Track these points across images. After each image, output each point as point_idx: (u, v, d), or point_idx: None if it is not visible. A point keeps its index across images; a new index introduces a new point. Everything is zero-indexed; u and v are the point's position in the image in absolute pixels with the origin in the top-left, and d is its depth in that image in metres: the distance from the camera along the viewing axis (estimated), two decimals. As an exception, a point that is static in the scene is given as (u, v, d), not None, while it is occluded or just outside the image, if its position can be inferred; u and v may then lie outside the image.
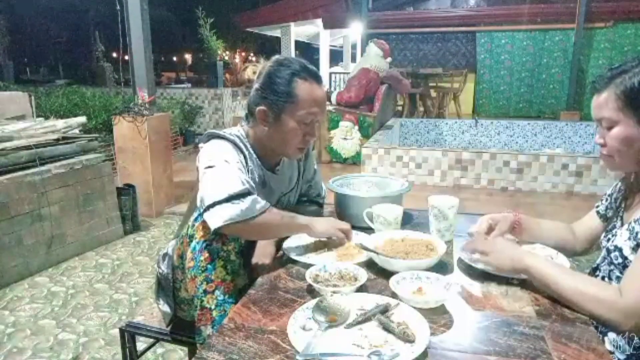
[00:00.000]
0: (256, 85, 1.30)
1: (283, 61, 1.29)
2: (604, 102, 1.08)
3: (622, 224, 1.16)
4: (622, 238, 1.08)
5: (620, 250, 1.08)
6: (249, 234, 1.19)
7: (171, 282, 1.31)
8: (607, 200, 1.30)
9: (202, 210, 1.13)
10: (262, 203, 1.15)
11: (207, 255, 1.12)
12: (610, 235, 1.17)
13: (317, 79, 1.29)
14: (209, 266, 1.12)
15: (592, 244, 1.33)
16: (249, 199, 1.12)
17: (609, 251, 1.12)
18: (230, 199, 1.10)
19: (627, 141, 1.06)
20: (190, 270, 1.14)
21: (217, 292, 1.12)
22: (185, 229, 1.22)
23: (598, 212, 1.32)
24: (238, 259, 1.17)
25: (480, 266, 1.16)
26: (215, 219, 1.09)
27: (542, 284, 1.04)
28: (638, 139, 1.05)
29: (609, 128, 1.08)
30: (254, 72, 1.34)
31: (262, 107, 1.27)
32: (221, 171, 1.17)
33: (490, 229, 1.26)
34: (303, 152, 1.39)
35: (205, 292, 1.12)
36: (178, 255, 1.26)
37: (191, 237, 1.16)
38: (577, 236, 1.34)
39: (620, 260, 1.07)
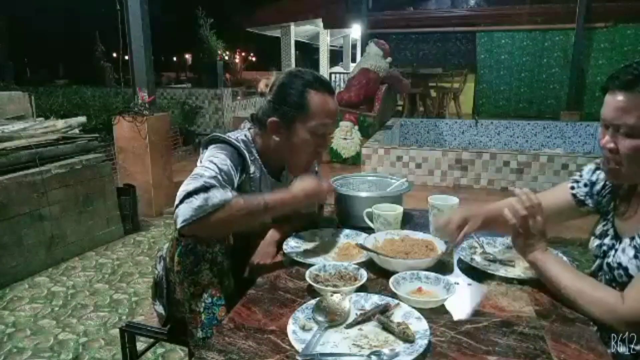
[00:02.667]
0: (268, 97, 1.30)
1: (296, 73, 1.30)
2: (628, 107, 0.95)
3: (617, 235, 1.11)
4: (626, 256, 1.03)
5: (625, 269, 1.03)
6: (213, 232, 1.11)
7: (165, 283, 1.31)
8: (586, 186, 1.21)
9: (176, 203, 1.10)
10: (218, 198, 1.07)
11: (192, 258, 1.11)
12: (605, 248, 1.11)
13: (329, 90, 1.29)
14: (195, 269, 1.11)
15: (560, 222, 1.26)
16: (202, 195, 1.06)
17: (610, 267, 1.08)
18: (185, 197, 1.07)
19: None
20: (178, 274, 1.14)
21: (204, 295, 1.11)
22: (175, 231, 1.21)
23: (574, 195, 1.22)
24: (226, 260, 1.16)
25: (479, 266, 1.16)
26: (177, 221, 1.07)
27: (545, 280, 1.03)
28: None
29: (628, 135, 0.96)
30: (267, 85, 1.33)
31: (273, 119, 1.27)
32: (194, 173, 1.14)
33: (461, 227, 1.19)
34: (309, 168, 1.37)
35: (192, 295, 1.12)
36: (170, 258, 1.25)
37: (178, 240, 1.15)
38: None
39: (625, 279, 1.03)
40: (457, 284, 1.08)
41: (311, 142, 1.28)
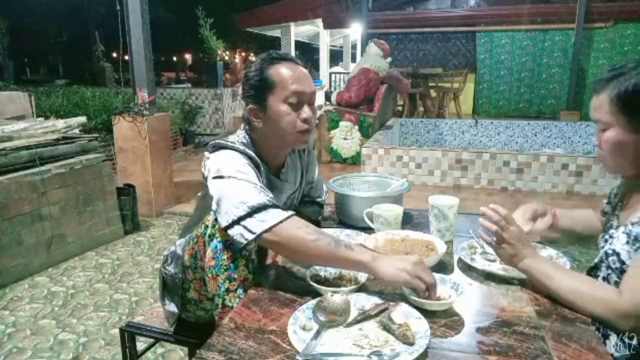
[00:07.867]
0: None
1: (254, 60, 1.33)
2: (599, 105, 1.08)
3: (619, 225, 1.14)
4: (619, 242, 1.06)
5: (617, 254, 1.06)
6: (279, 248, 1.11)
7: (180, 282, 1.31)
8: (608, 197, 1.29)
9: (223, 224, 1.09)
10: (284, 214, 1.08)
11: (229, 254, 1.11)
12: (607, 236, 1.16)
13: (287, 59, 1.28)
14: (231, 265, 1.11)
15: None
16: (272, 211, 1.07)
17: (607, 255, 1.10)
18: (252, 212, 1.06)
19: (618, 145, 1.06)
20: (211, 269, 1.13)
21: (239, 291, 1.12)
22: (201, 228, 1.20)
23: (602, 211, 1.31)
24: (257, 258, 1.17)
25: (479, 266, 1.16)
26: (245, 234, 1.06)
27: (540, 285, 1.03)
28: (629, 143, 1.05)
29: (604, 130, 1.08)
30: None
31: (249, 106, 1.29)
32: (238, 184, 1.12)
33: (533, 218, 1.29)
34: (306, 139, 1.32)
35: (227, 290, 1.12)
36: (190, 255, 1.24)
37: (211, 236, 1.15)
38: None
39: (617, 265, 1.05)
40: (471, 284, 1.09)
41: (289, 111, 1.25)
